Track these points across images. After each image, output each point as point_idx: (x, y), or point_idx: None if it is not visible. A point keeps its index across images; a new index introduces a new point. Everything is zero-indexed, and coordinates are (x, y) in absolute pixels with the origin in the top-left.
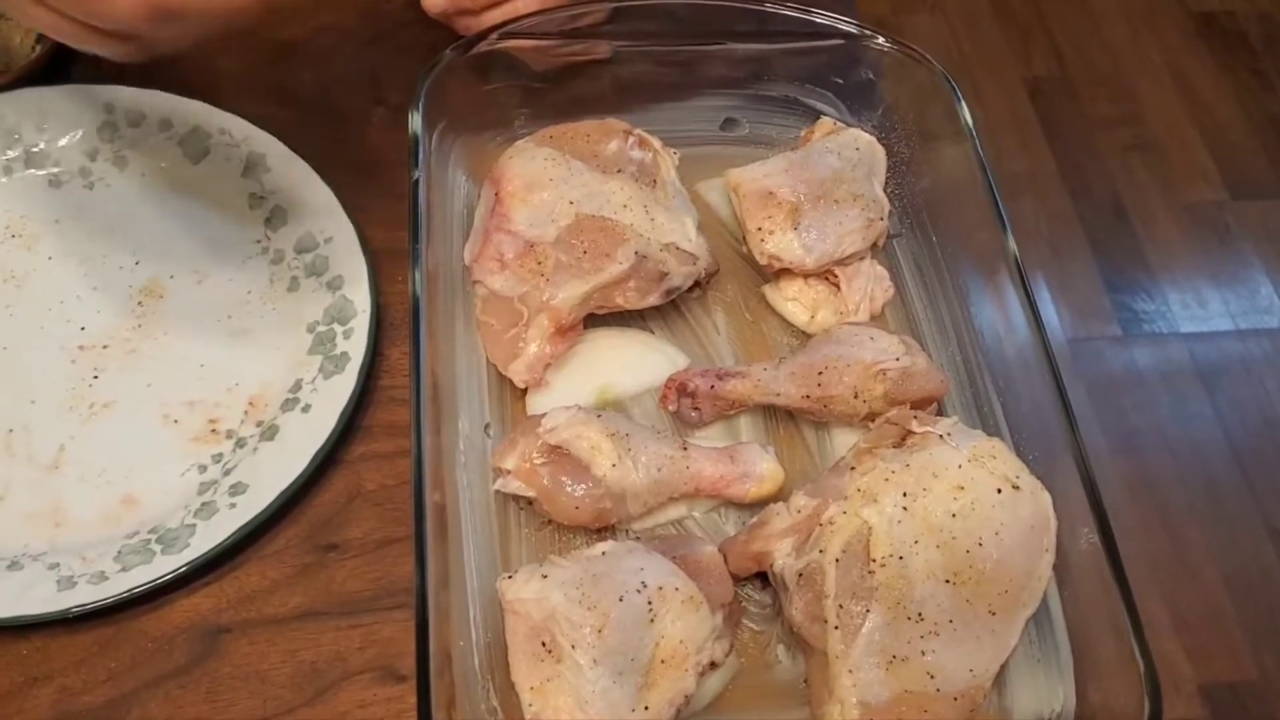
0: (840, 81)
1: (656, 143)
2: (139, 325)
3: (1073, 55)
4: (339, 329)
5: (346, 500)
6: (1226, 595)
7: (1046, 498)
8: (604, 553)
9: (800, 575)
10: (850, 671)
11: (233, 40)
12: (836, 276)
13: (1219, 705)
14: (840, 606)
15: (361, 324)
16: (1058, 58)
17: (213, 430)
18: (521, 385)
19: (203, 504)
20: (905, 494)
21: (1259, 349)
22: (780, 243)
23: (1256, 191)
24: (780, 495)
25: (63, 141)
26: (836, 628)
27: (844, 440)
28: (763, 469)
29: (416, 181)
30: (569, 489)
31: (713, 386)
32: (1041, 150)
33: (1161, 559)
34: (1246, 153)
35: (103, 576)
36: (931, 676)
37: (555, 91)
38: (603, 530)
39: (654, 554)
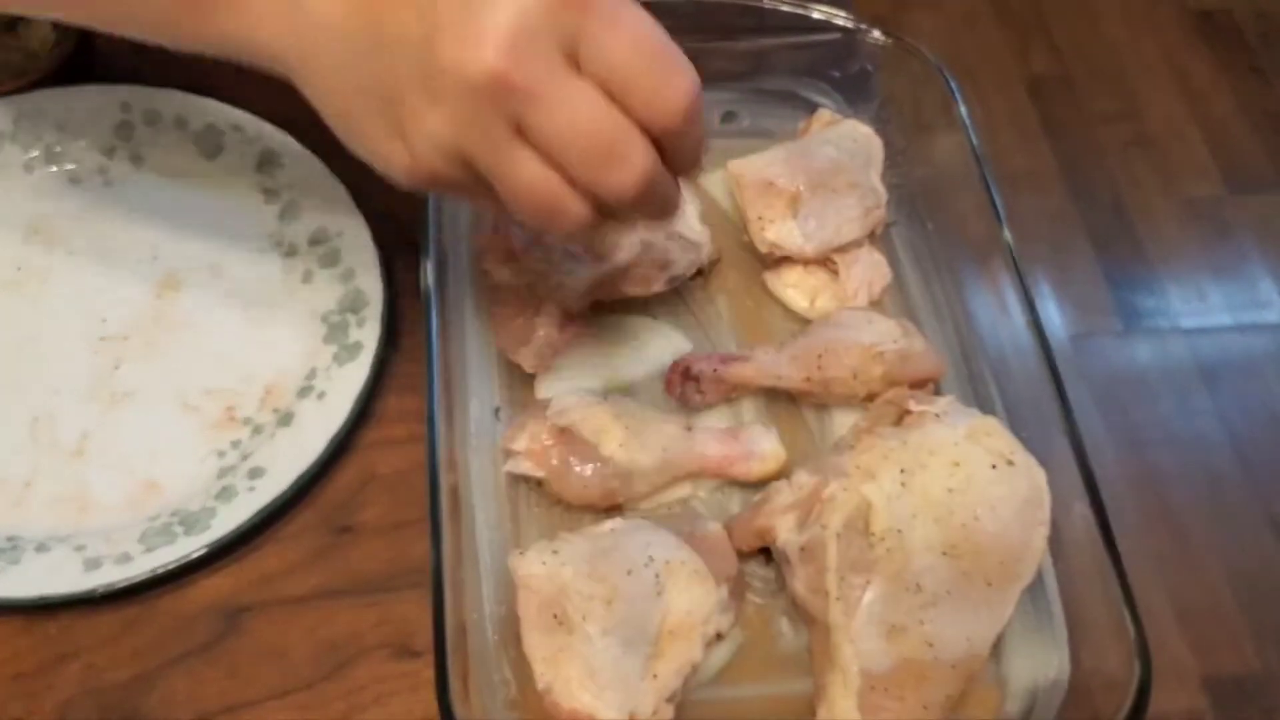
0: (837, 74)
1: None
2: (158, 317)
3: (1072, 53)
4: (352, 318)
5: (361, 484)
6: (1229, 588)
7: (1041, 473)
8: (612, 529)
9: (802, 550)
10: (851, 641)
11: None
12: (835, 263)
13: (1222, 697)
14: (841, 579)
15: (374, 313)
16: (1057, 55)
17: (231, 417)
18: (530, 370)
19: (222, 488)
20: (903, 470)
21: (1259, 343)
22: (780, 231)
23: (1255, 186)
24: (782, 473)
25: (81, 140)
26: (838, 599)
27: (844, 420)
28: (765, 448)
29: None
30: (577, 469)
31: (716, 370)
32: (1041, 147)
33: (1164, 552)
34: (1245, 148)
35: (127, 557)
36: (930, 645)
37: None
38: (611, 509)
39: (661, 529)
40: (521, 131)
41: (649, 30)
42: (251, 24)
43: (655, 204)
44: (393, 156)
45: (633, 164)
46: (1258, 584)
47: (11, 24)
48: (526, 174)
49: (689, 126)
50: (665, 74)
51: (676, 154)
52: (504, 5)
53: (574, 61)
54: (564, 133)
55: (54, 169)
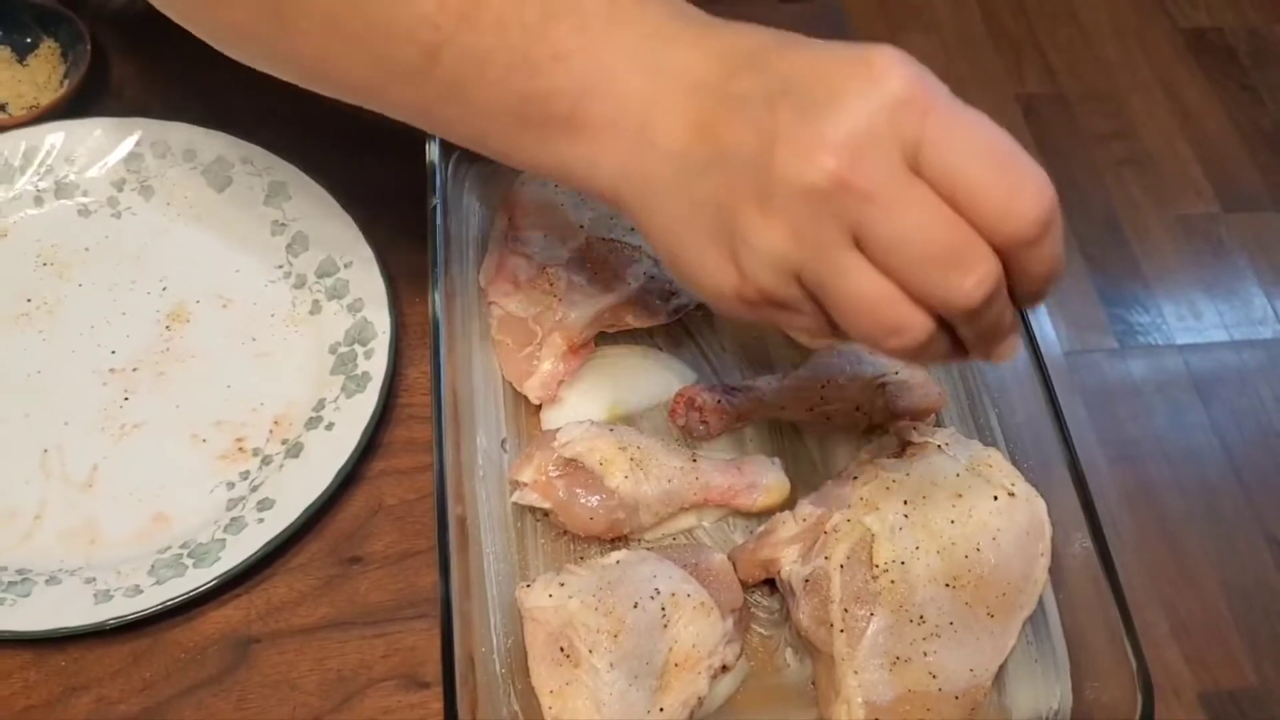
0: None
1: None
2: (167, 349)
3: (1065, 72)
4: (360, 350)
5: (369, 515)
6: (1225, 603)
7: (1041, 504)
8: (618, 561)
9: (806, 581)
10: (856, 673)
11: None
12: None
13: (1219, 712)
14: (845, 611)
15: (382, 345)
16: (1050, 74)
17: (240, 449)
18: (536, 402)
19: (232, 519)
20: (906, 502)
21: (1254, 359)
22: None
23: (1248, 204)
24: (786, 505)
25: (91, 172)
26: (842, 631)
27: (846, 451)
28: (769, 479)
29: (434, 208)
30: (583, 500)
31: (720, 401)
32: None
33: (1160, 568)
34: (1238, 166)
35: (137, 590)
36: (934, 676)
37: None
38: (616, 540)
39: (666, 562)
40: (858, 241)
41: (995, 133)
42: (593, 157)
43: (994, 324)
44: (722, 278)
45: (977, 271)
46: (1253, 598)
47: (21, 56)
48: (862, 283)
49: (1043, 237)
50: (1017, 179)
51: (1025, 272)
52: (845, 111)
53: (916, 166)
54: (904, 237)
55: (64, 201)
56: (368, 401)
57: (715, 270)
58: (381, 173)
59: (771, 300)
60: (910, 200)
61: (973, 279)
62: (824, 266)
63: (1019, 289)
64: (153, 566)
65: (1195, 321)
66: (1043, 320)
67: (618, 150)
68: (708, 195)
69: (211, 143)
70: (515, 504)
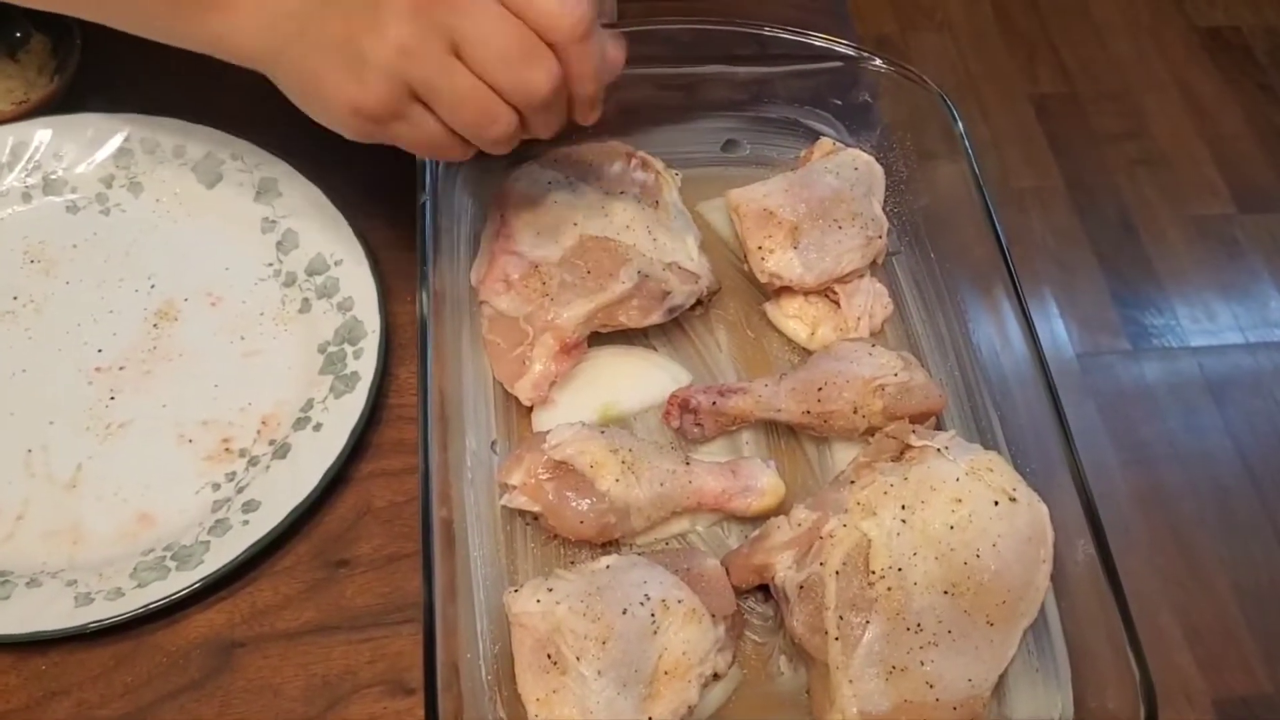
0: (839, 103)
1: (659, 164)
2: (154, 347)
3: (1079, 71)
4: (349, 349)
5: (356, 517)
6: (1238, 607)
7: (1043, 509)
8: (608, 566)
9: (801, 587)
10: (851, 682)
11: None
12: (836, 294)
13: (1232, 718)
14: (840, 618)
15: (371, 344)
16: (1064, 74)
17: (226, 449)
18: (527, 403)
19: (217, 521)
20: (904, 507)
21: (1269, 361)
22: (780, 261)
23: (1264, 204)
24: (781, 509)
25: (80, 168)
26: (837, 639)
27: (844, 455)
28: (764, 483)
29: (424, 205)
30: (574, 504)
31: (715, 403)
32: (1049, 166)
33: (1173, 571)
34: (1254, 166)
35: (119, 593)
36: (931, 686)
37: None
38: (607, 545)
39: (657, 567)
40: (456, 50)
41: None
42: (237, 23)
43: (558, 116)
44: (351, 95)
45: (544, 66)
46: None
47: (11, 52)
48: (463, 82)
49: (588, 35)
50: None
51: (577, 71)
52: None
53: None
54: (487, 40)
55: (52, 198)
56: (356, 402)
57: (344, 92)
58: (374, 169)
59: (391, 110)
60: (487, 12)
61: (541, 73)
62: (432, 71)
63: (574, 90)
64: (135, 569)
65: (1209, 324)
66: (1054, 321)
67: (254, 16)
68: (330, 36)
69: (201, 139)
70: (504, 507)
